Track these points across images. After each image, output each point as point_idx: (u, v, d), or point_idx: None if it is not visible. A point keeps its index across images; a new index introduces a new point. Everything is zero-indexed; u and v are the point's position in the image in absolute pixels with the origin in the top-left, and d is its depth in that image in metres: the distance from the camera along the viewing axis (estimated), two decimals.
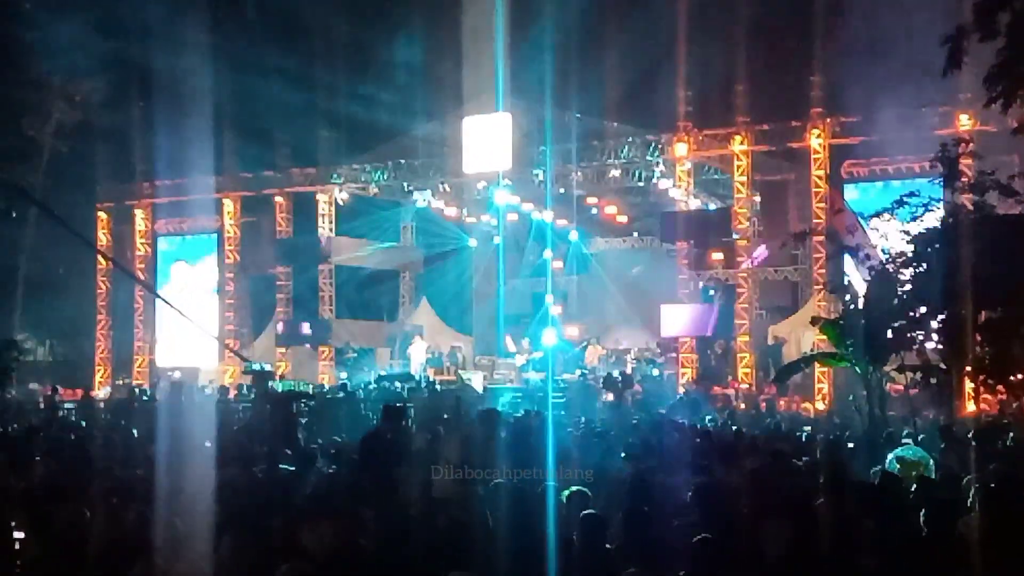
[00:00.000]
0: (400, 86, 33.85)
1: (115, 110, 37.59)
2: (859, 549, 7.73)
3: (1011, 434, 14.71)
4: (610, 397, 28.04)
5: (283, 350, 37.64)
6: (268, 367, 29.98)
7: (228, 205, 38.82)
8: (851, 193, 31.23)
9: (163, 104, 34.06)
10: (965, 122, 27.37)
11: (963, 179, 18.27)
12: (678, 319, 32.42)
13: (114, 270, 39.77)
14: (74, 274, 39.36)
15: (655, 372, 33.37)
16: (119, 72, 36.93)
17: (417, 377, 32.34)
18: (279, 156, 37.84)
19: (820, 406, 28.30)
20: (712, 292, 33.99)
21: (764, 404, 27.29)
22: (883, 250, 19.48)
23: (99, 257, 39.64)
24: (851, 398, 22.31)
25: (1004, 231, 14.74)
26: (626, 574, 7.04)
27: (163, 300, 36.85)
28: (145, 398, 29.86)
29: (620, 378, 29.67)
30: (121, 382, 38.53)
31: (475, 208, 39.17)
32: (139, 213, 40.39)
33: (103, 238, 40.45)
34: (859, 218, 26.44)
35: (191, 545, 8.06)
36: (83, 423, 22.22)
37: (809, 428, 19.62)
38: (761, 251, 32.93)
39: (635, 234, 39.68)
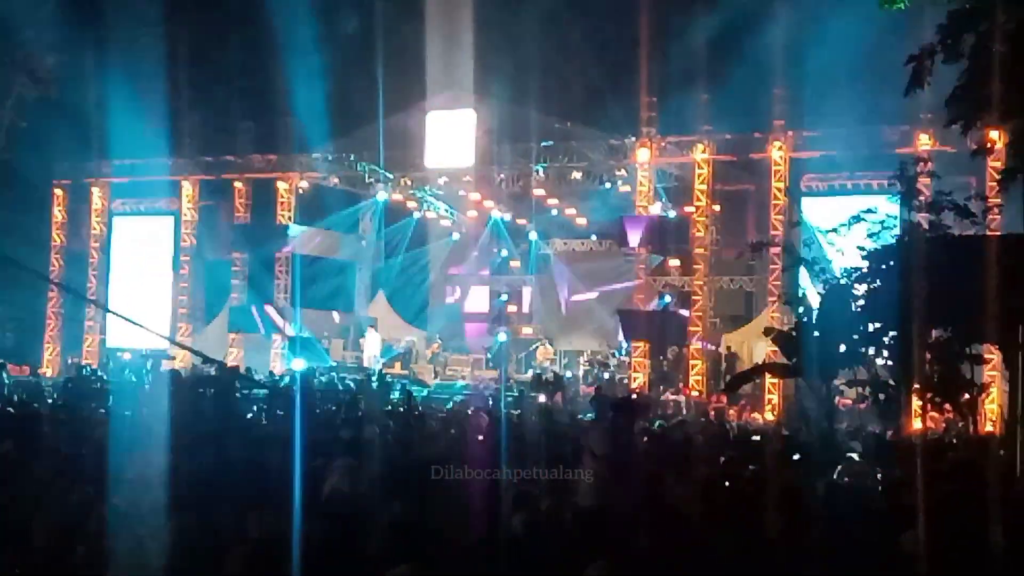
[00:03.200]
0: (365, 77, 33.70)
1: (77, 87, 37.17)
2: (804, 558, 7.81)
3: (955, 453, 14.86)
4: (541, 399, 28.11)
5: (235, 336, 37.41)
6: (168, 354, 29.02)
7: (186, 188, 38.52)
8: (809, 206, 31.43)
9: (125, 83, 33.75)
10: (924, 141, 27.66)
11: (920, 198, 18.44)
12: (634, 324, 32.51)
13: (67, 248, 39.59)
14: (26, 250, 38.88)
15: (606, 376, 33.50)
16: (82, 49, 36.53)
17: (369, 369, 32.32)
18: (240, 142, 37.63)
19: (769, 416, 28.48)
20: (668, 299, 34.13)
21: (714, 412, 27.43)
22: (838, 265, 19.59)
23: (53, 234, 39.45)
24: (800, 410, 22.47)
25: (958, 251, 14.86)
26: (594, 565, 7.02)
27: (115, 314, 36.35)
28: (93, 378, 29.58)
29: (552, 380, 29.83)
30: (70, 361, 38.14)
31: (435, 203, 39.19)
32: (96, 191, 39.99)
33: (59, 215, 40.09)
34: (816, 232, 26.60)
35: (136, 528, 8.02)
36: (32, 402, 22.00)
37: (758, 437, 19.75)
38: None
39: (594, 237, 39.78)
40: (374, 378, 30.30)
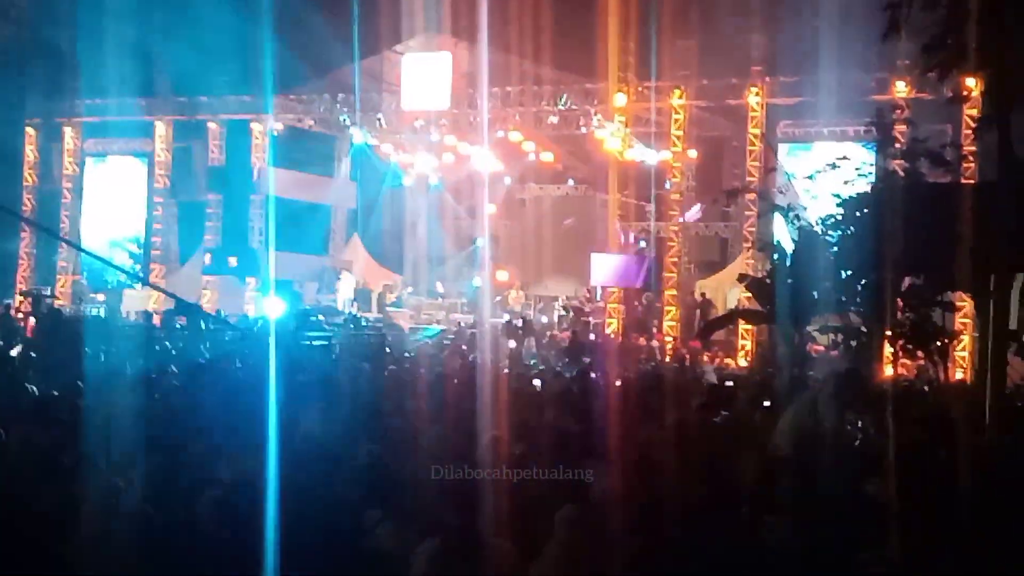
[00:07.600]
0: (341, 18, 33.36)
1: (49, 25, 36.69)
2: (770, 505, 7.87)
3: (926, 400, 14.98)
4: (512, 344, 28.08)
5: (208, 279, 37.24)
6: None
7: (160, 128, 38.23)
8: (785, 153, 31.48)
9: (99, 22, 33.34)
10: (901, 89, 27.65)
11: (896, 145, 18.44)
12: (608, 269, 32.49)
13: (40, 188, 39.34)
14: None
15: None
16: None
17: (344, 313, 32.25)
18: (215, 82, 37.24)
19: (743, 363, 28.60)
20: (643, 244, 34.14)
21: (688, 356, 27.50)
22: (813, 212, 19.62)
23: (25, 174, 39.14)
24: (772, 356, 22.57)
25: (932, 199, 14.88)
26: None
27: (87, 252, 36.16)
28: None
29: (520, 325, 29.83)
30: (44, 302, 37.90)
31: (411, 146, 38.99)
32: (68, 131, 39.63)
33: (31, 155, 39.74)
34: (791, 179, 26.64)
35: (107, 469, 8.02)
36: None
37: (731, 384, 19.84)
38: (695, 211, 33.17)
39: (570, 181, 39.72)
40: (349, 322, 30.29)
